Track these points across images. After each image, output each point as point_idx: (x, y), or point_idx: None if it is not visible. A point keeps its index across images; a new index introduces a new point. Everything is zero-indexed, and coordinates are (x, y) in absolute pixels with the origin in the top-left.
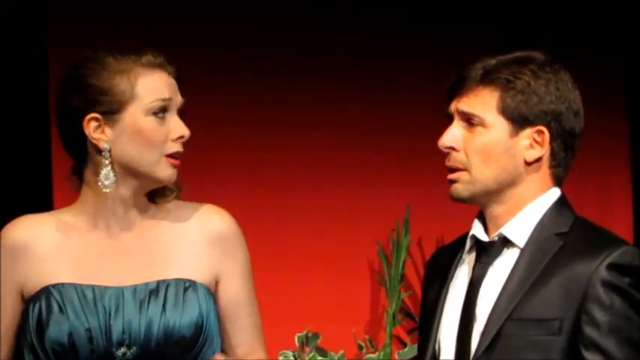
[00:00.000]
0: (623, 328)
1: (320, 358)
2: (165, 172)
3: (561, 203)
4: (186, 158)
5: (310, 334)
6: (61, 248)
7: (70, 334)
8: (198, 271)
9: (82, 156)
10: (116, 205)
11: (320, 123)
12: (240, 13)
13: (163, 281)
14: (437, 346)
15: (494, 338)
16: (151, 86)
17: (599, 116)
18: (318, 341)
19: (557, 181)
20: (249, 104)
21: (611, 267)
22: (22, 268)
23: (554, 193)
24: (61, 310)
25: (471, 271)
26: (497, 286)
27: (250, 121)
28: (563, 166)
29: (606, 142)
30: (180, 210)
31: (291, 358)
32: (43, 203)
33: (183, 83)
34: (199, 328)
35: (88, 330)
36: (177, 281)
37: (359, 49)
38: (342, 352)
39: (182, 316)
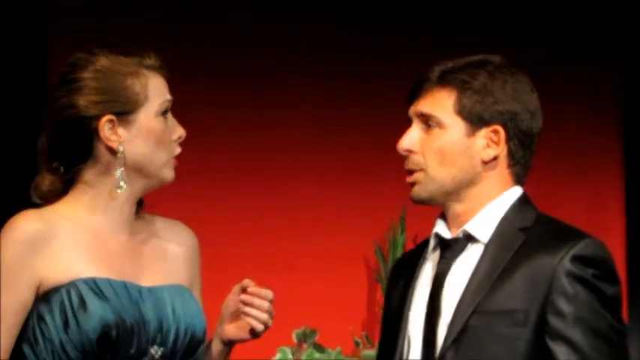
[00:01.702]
0: (587, 318)
1: (317, 354)
2: (171, 173)
3: (523, 201)
4: (183, 158)
5: (308, 331)
6: (76, 242)
7: (117, 325)
8: (186, 280)
9: (84, 157)
10: (119, 205)
11: (318, 122)
12: (238, 13)
13: (177, 285)
14: (406, 343)
15: (461, 331)
16: (157, 88)
17: (594, 118)
18: (316, 338)
19: (518, 180)
20: (246, 104)
21: (575, 259)
22: (43, 260)
23: (516, 191)
24: (102, 301)
25: (435, 267)
26: (462, 280)
27: (248, 121)
28: (522, 164)
29: (600, 143)
30: (156, 222)
31: (289, 354)
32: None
33: None
34: (206, 332)
35: (131, 324)
36: (183, 287)
37: (358, 49)
38: (339, 348)
39: (198, 319)
